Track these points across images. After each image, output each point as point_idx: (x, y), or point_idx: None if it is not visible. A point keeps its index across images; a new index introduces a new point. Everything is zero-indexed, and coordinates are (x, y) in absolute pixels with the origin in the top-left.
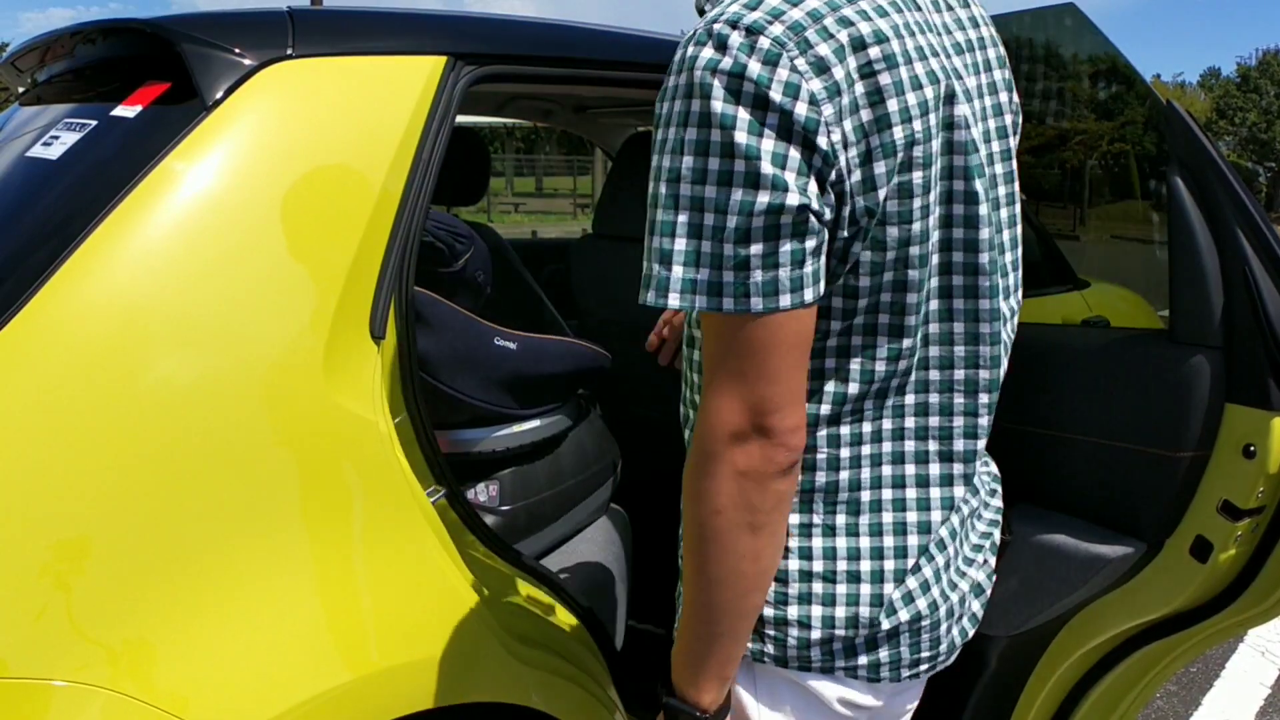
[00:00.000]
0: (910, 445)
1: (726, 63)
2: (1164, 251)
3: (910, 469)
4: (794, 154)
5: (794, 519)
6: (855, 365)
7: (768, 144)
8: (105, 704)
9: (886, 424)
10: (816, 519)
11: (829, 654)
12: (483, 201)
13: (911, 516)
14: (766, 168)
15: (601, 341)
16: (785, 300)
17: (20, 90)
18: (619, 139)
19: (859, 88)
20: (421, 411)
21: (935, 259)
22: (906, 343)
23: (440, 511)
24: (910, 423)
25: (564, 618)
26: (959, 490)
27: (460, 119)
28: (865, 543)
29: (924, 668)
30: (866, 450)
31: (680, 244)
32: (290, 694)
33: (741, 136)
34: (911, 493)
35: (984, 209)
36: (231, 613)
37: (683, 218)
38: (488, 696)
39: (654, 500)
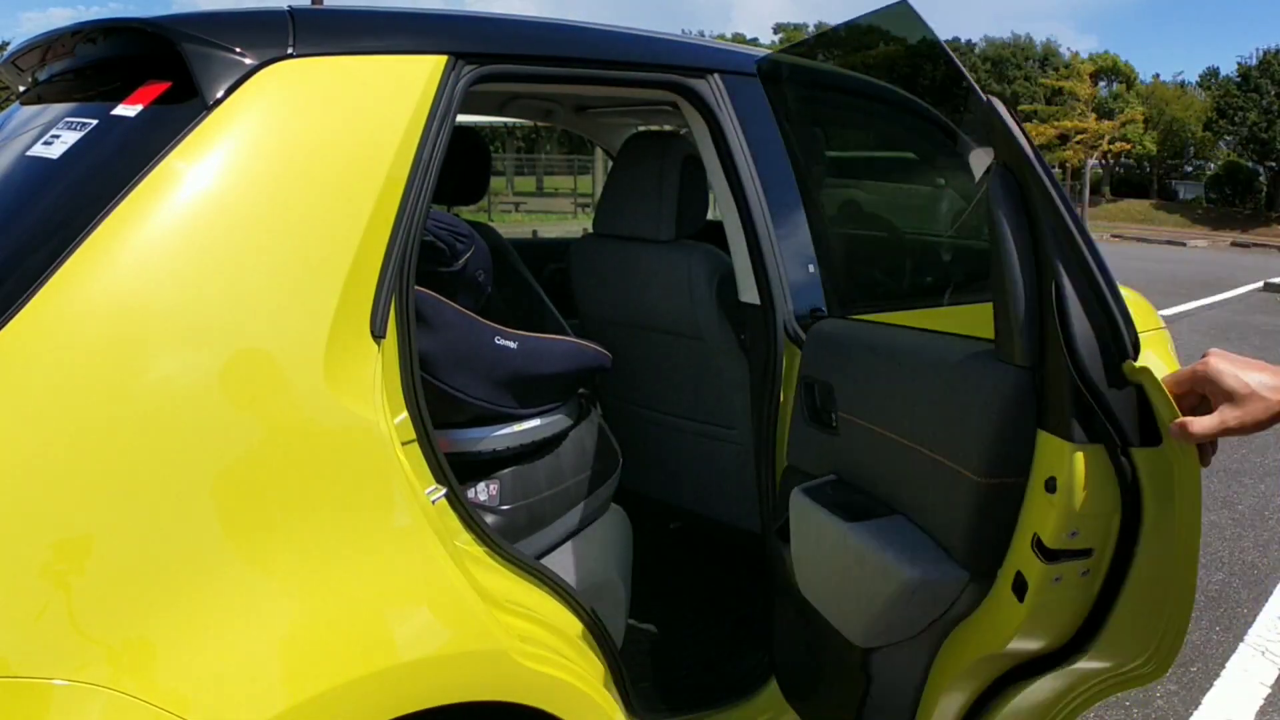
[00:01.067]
0: None
1: None
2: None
3: None
4: None
5: None
6: None
7: None
8: (106, 703)
9: None
10: None
11: None
12: (483, 201)
13: None
14: None
15: (602, 341)
16: None
17: (21, 89)
18: (619, 139)
19: None
20: (422, 411)
21: None
22: None
23: (440, 511)
24: None
25: (564, 617)
26: None
27: (461, 118)
28: None
29: None
30: None
31: None
32: (291, 693)
33: None
34: None
35: None
36: (232, 612)
37: None
38: (488, 696)
39: (655, 499)
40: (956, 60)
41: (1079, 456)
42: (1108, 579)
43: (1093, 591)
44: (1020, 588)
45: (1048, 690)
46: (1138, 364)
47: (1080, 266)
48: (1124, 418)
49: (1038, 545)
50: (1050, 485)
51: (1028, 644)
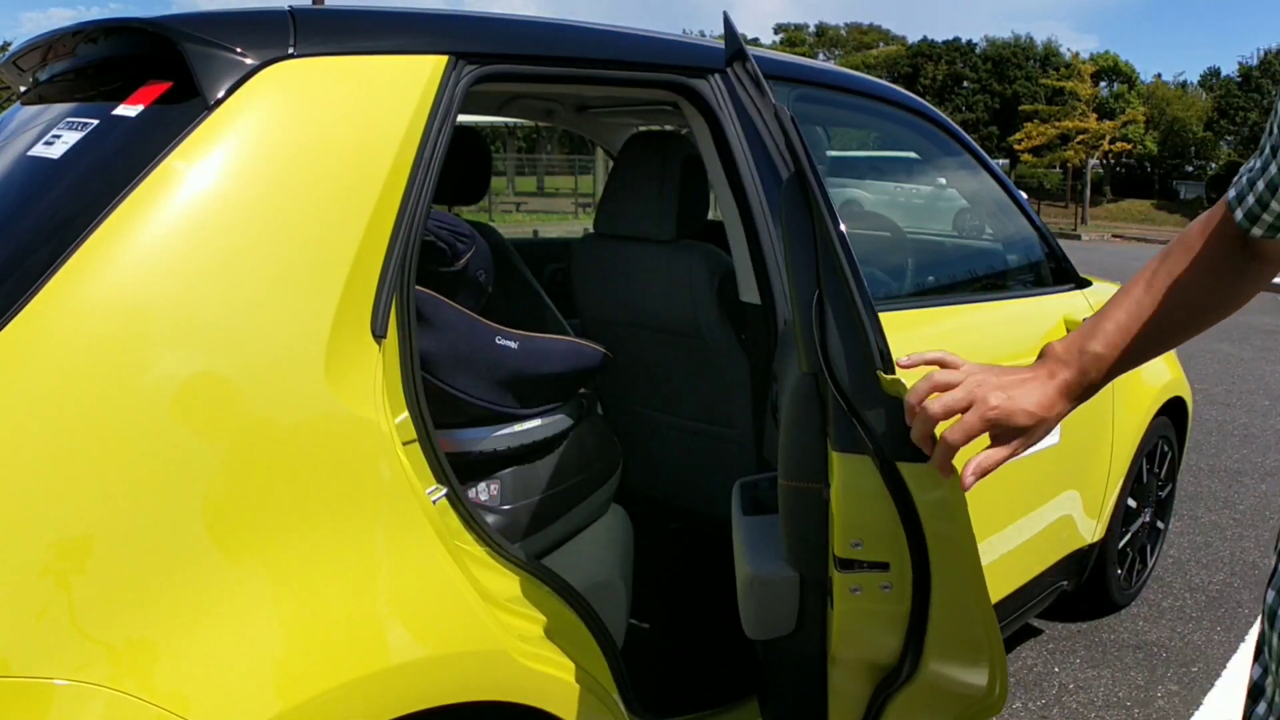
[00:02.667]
0: None
1: None
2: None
3: None
4: None
5: None
6: None
7: None
8: (106, 703)
9: None
10: None
11: None
12: (484, 201)
13: None
14: None
15: (602, 341)
16: None
17: (22, 89)
18: (620, 138)
19: None
20: (423, 411)
21: None
22: None
23: (441, 511)
24: None
25: (565, 617)
26: None
27: (462, 118)
28: None
29: None
30: None
31: None
32: (291, 693)
33: None
34: None
35: None
36: (233, 612)
37: None
38: (488, 696)
39: (655, 499)
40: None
41: (843, 464)
42: (917, 597)
43: (904, 609)
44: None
45: (911, 705)
46: (889, 378)
47: (838, 277)
48: (882, 430)
49: (832, 553)
50: (825, 490)
51: (851, 654)
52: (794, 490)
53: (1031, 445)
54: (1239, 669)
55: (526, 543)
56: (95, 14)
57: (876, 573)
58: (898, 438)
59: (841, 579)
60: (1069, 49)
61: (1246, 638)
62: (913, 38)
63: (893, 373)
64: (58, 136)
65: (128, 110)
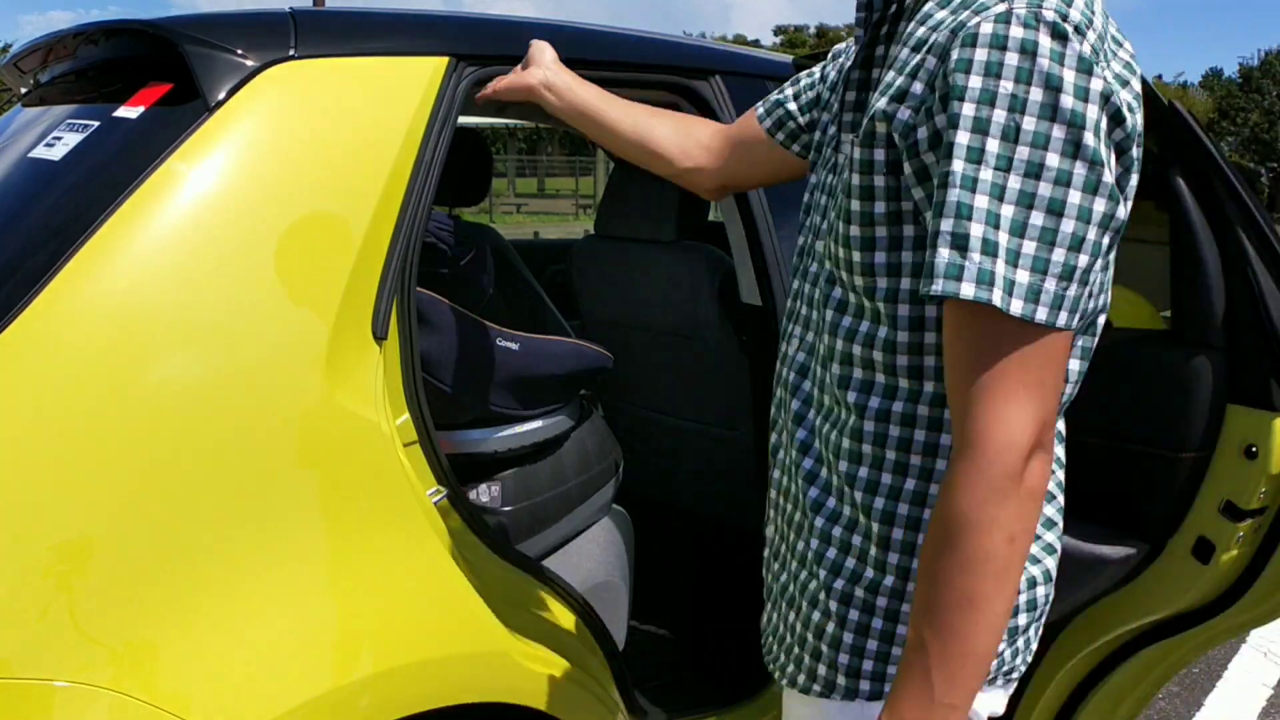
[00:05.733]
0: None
1: (1070, 58)
2: (1165, 253)
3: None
4: (1113, 161)
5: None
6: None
7: (1105, 150)
8: (107, 705)
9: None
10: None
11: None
12: (485, 202)
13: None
14: (1108, 176)
15: (603, 342)
16: (1076, 316)
17: (23, 91)
18: None
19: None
20: (423, 412)
21: None
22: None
23: (442, 512)
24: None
25: (565, 618)
26: None
27: (462, 120)
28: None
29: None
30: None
31: (1027, 246)
32: (292, 695)
33: (1090, 139)
34: None
35: None
36: (234, 613)
37: (1036, 218)
38: (489, 697)
39: (655, 500)
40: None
41: (1278, 423)
42: (1268, 533)
43: (1254, 546)
44: (1203, 551)
45: (1161, 651)
46: None
47: (1270, 254)
48: None
49: (1228, 509)
50: (1250, 452)
51: (1195, 603)
52: (1191, 461)
53: None
54: (1240, 670)
55: (527, 544)
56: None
57: (1255, 518)
58: None
59: (1231, 530)
60: None
61: (1248, 639)
62: None
63: None
64: (58, 138)
65: (128, 112)
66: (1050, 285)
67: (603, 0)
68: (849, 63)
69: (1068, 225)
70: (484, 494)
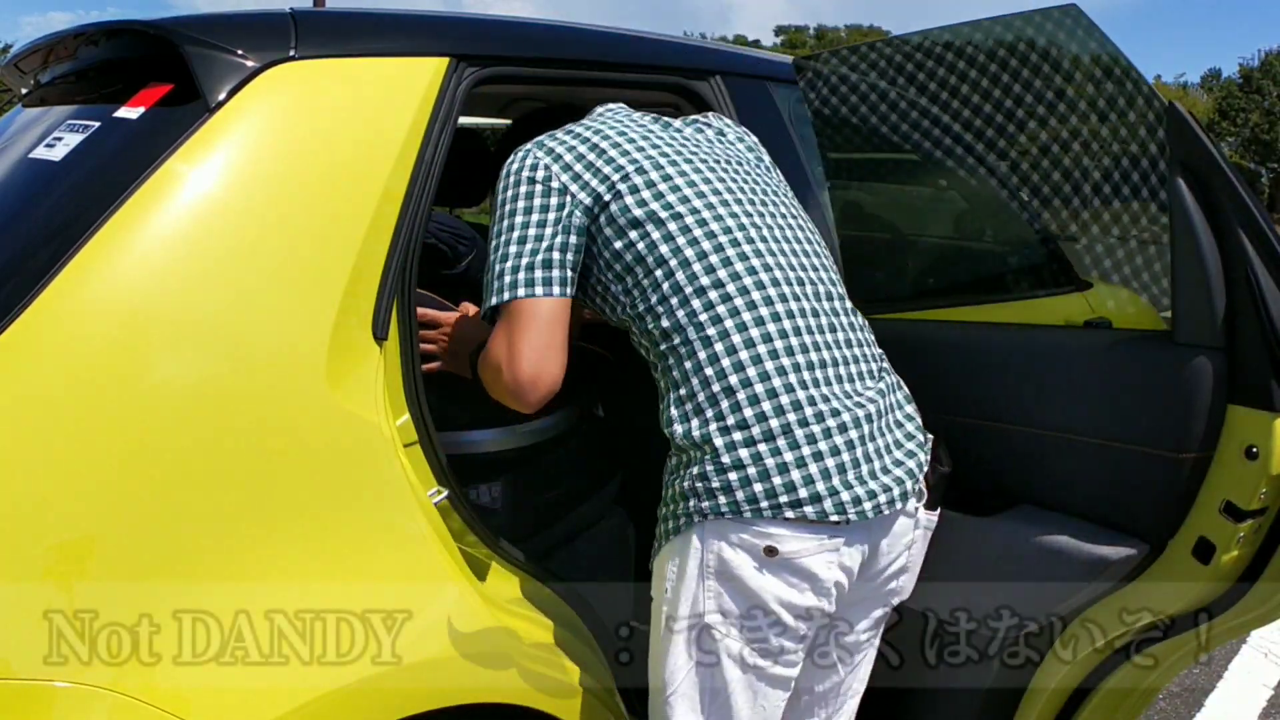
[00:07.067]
0: None
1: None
2: (1162, 252)
3: None
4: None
5: None
6: None
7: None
8: (107, 705)
9: None
10: None
11: None
12: (485, 203)
13: None
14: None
15: (602, 342)
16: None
17: (23, 92)
18: None
19: None
20: (424, 413)
21: None
22: None
23: (443, 512)
24: None
25: (566, 618)
26: None
27: (462, 120)
28: None
29: None
30: None
31: None
32: (293, 695)
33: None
34: None
35: None
36: (234, 613)
37: None
38: (489, 697)
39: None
40: (1133, 64)
41: (1278, 424)
42: (1269, 533)
43: (1255, 546)
44: (1203, 551)
45: (1163, 651)
46: None
47: (1271, 255)
48: None
49: (1228, 509)
50: (1250, 453)
51: (1196, 604)
52: (1191, 461)
53: None
54: (1241, 670)
55: (528, 544)
56: (95, 17)
57: (1256, 519)
58: None
59: (1232, 530)
60: None
61: (1249, 639)
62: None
63: None
64: (59, 139)
65: (129, 112)
66: None
67: (603, 0)
68: None
69: None
70: (484, 494)
